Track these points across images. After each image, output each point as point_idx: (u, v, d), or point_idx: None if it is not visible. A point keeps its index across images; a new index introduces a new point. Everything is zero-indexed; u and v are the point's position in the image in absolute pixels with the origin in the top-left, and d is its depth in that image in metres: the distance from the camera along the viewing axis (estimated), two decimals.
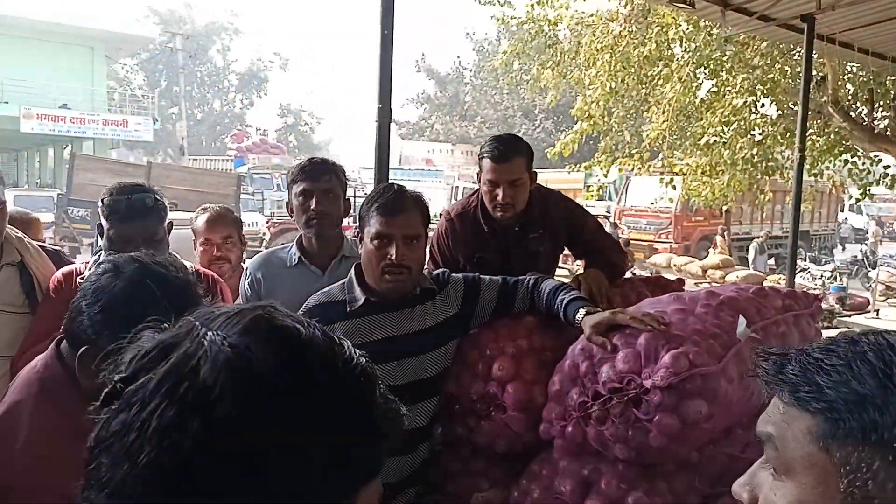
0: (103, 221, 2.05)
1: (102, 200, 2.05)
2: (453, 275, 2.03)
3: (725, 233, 15.64)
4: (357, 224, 1.98)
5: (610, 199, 19.38)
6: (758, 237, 16.01)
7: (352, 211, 2.54)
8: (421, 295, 1.94)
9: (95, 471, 0.54)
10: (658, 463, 1.69)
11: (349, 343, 0.61)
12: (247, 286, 2.39)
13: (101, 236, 2.07)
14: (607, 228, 16.08)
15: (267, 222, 15.29)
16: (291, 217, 2.43)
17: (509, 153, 2.29)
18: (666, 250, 15.62)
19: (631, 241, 14.56)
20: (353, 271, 1.96)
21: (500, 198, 2.29)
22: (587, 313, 1.80)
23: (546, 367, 1.88)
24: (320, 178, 2.32)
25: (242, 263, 2.98)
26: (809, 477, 0.72)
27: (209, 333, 0.56)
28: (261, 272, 2.37)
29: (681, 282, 2.50)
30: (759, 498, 0.77)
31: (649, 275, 2.46)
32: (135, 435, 0.52)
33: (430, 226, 2.02)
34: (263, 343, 0.55)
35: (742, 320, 1.75)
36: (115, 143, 26.02)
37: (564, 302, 1.88)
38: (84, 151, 20.83)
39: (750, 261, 15.20)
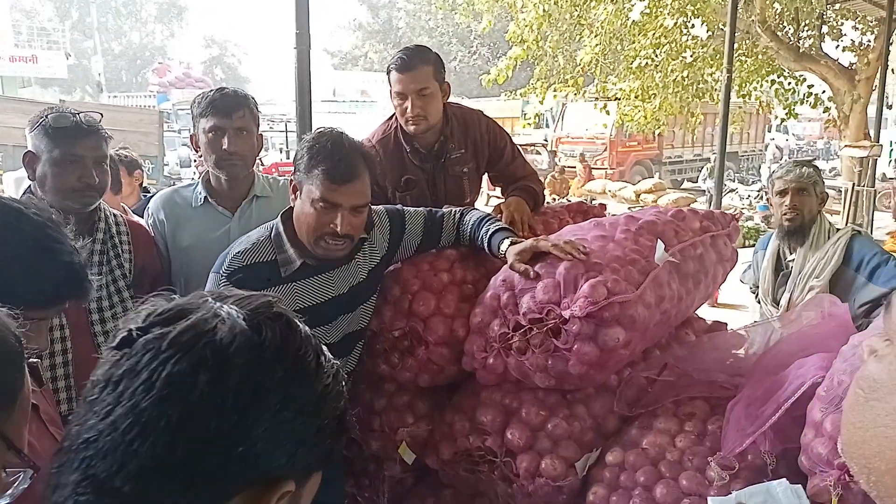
0: (41, 145, 1.86)
1: (39, 123, 1.86)
2: (374, 208, 1.86)
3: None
4: (293, 170, 1.76)
5: (547, 127, 19.38)
6: (709, 161, 16.26)
7: (265, 147, 2.35)
8: (355, 244, 1.78)
9: (97, 403, 0.59)
10: (578, 389, 1.70)
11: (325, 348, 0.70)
12: (149, 226, 2.23)
13: (31, 168, 1.88)
14: (545, 156, 16.10)
15: (194, 161, 14.64)
16: (197, 153, 2.25)
17: (414, 62, 2.19)
18: (601, 177, 15.81)
19: (566, 169, 14.64)
20: (279, 224, 1.75)
21: (409, 110, 2.19)
22: (511, 243, 1.76)
23: (468, 299, 1.85)
24: (232, 114, 2.11)
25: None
26: None
27: (224, 307, 0.63)
28: (163, 213, 2.19)
29: (602, 207, 2.49)
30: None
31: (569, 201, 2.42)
32: (144, 376, 0.57)
33: None
34: (272, 322, 0.64)
35: (660, 245, 1.74)
36: (27, 82, 24.28)
37: (489, 233, 1.84)
38: None
39: (702, 183, 15.48)
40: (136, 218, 2.33)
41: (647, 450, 1.55)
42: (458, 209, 1.97)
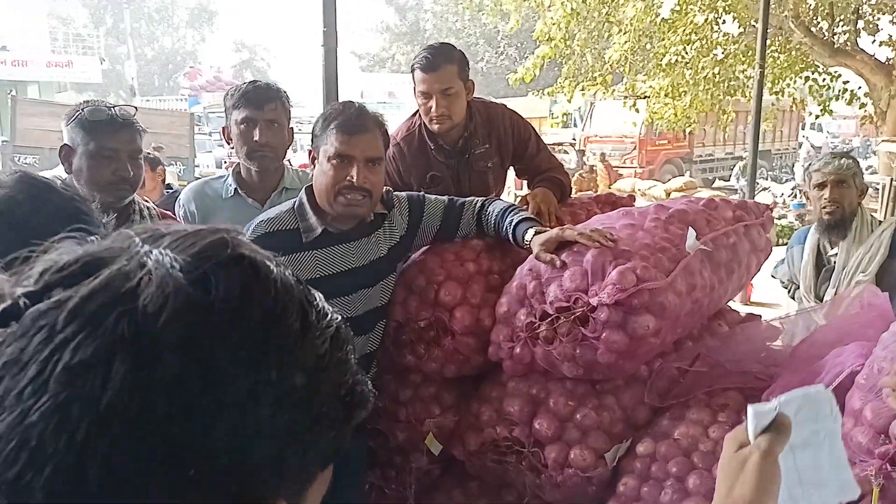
0: (77, 138, 1.89)
1: (76, 117, 1.90)
2: (396, 193, 1.93)
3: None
4: (311, 147, 1.82)
5: (575, 126, 19.24)
6: (741, 159, 16.00)
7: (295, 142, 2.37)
8: (375, 220, 1.85)
9: None
10: (607, 379, 1.67)
11: (320, 296, 0.49)
12: (180, 219, 2.26)
13: (67, 161, 1.92)
14: (573, 156, 16.01)
15: (225, 163, 14.83)
16: (229, 145, 2.28)
17: (439, 61, 2.18)
18: (630, 175, 15.64)
19: (594, 168, 14.51)
20: (303, 195, 1.81)
21: (434, 109, 2.19)
22: (536, 233, 1.74)
23: (494, 289, 1.83)
24: (264, 106, 2.14)
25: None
26: None
27: (154, 251, 0.42)
28: (194, 204, 2.23)
29: (631, 198, 2.45)
30: None
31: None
32: (34, 371, 0.37)
33: None
34: (225, 271, 0.42)
35: (691, 233, 1.70)
36: (63, 87, 24.87)
37: (513, 223, 1.82)
38: (30, 96, 19.86)
39: (734, 182, 15.24)
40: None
41: (679, 440, 1.52)
42: (479, 199, 1.95)
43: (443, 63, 2.18)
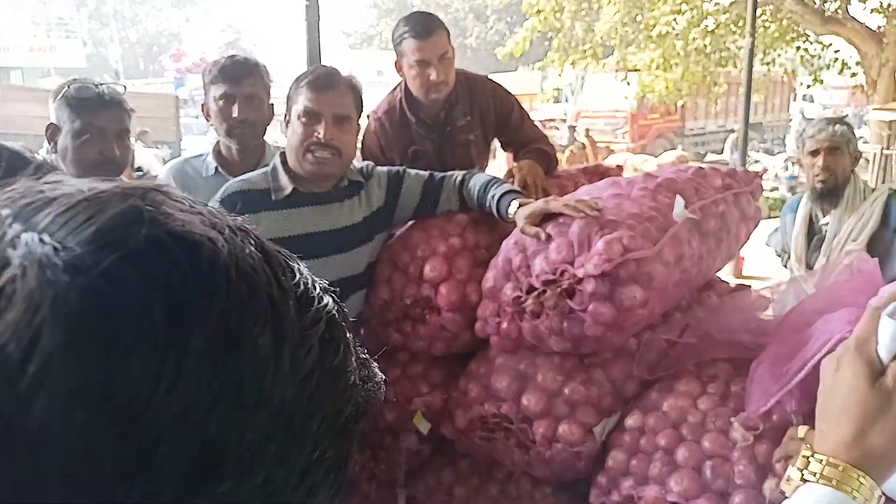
0: (63, 116, 1.83)
1: (62, 94, 1.84)
2: (377, 167, 1.93)
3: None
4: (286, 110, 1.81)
5: (566, 102, 19.11)
6: (733, 132, 15.94)
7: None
8: (349, 187, 1.84)
9: None
10: (595, 352, 1.64)
11: (302, 266, 0.36)
12: None
13: (52, 140, 1.86)
14: (564, 132, 15.92)
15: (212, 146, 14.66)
16: (208, 122, 2.23)
17: (432, 27, 2.13)
18: (623, 150, 15.58)
19: (586, 144, 14.44)
20: (277, 158, 1.83)
21: (434, 76, 2.11)
22: (520, 206, 1.70)
23: (481, 264, 1.80)
24: (242, 81, 2.09)
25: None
26: None
27: (26, 236, 0.27)
28: (174, 183, 2.19)
29: (619, 168, 2.41)
30: None
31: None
32: None
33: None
34: (141, 265, 0.27)
35: (679, 201, 1.67)
36: (46, 72, 24.53)
37: (496, 197, 1.78)
38: (13, 82, 19.56)
39: (728, 156, 15.21)
40: None
41: (667, 413, 1.50)
42: (460, 173, 1.92)
43: (437, 28, 2.14)
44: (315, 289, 0.34)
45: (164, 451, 0.26)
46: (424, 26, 2.13)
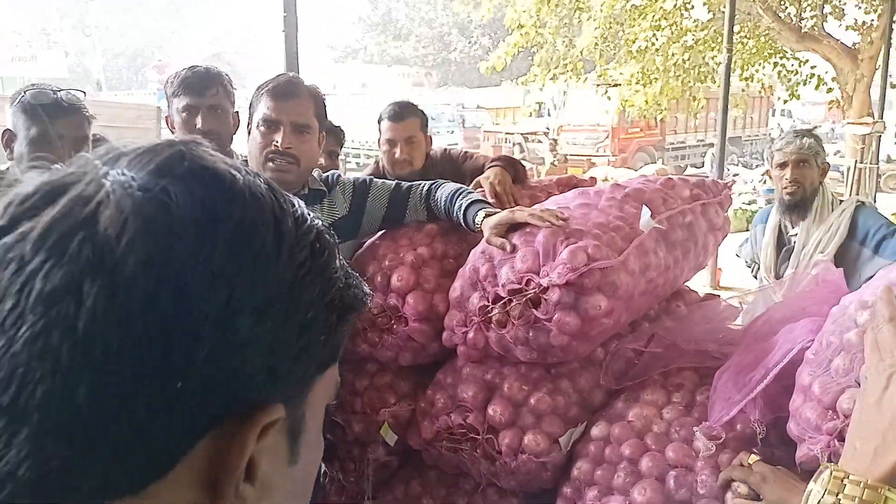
0: (19, 122, 1.79)
1: (18, 99, 1.81)
2: (342, 176, 1.94)
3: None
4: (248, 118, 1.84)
5: (549, 115, 19.25)
6: (712, 146, 16.12)
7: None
8: (309, 195, 1.84)
9: None
10: (562, 362, 1.64)
11: (299, 202, 0.48)
12: None
13: (8, 147, 1.82)
14: (546, 145, 15.97)
15: None
16: (174, 134, 2.22)
17: (404, 113, 2.51)
18: (604, 164, 15.69)
19: (568, 157, 14.55)
20: None
21: (397, 154, 2.47)
22: (486, 215, 1.70)
23: (449, 274, 1.79)
24: (205, 92, 2.10)
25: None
26: None
27: (112, 172, 0.41)
28: None
29: (592, 180, 2.42)
30: None
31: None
32: (11, 303, 0.38)
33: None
34: (185, 185, 0.41)
35: (646, 211, 1.67)
36: (27, 82, 24.30)
37: (463, 207, 1.77)
38: None
39: (708, 170, 15.36)
40: None
41: (632, 422, 1.49)
42: (427, 182, 1.91)
43: (408, 115, 2.51)
44: (308, 215, 0.47)
45: (204, 294, 0.40)
46: (398, 112, 2.52)
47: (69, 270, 0.38)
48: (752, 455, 1.24)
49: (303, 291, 0.44)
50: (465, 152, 2.68)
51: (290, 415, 0.45)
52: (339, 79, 31.45)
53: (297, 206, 0.47)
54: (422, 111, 2.61)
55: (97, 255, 0.38)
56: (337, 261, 0.48)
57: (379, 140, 2.58)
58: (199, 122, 2.08)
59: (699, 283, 6.41)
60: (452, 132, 20.46)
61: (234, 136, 2.23)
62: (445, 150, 2.73)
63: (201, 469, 0.41)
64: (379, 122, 2.57)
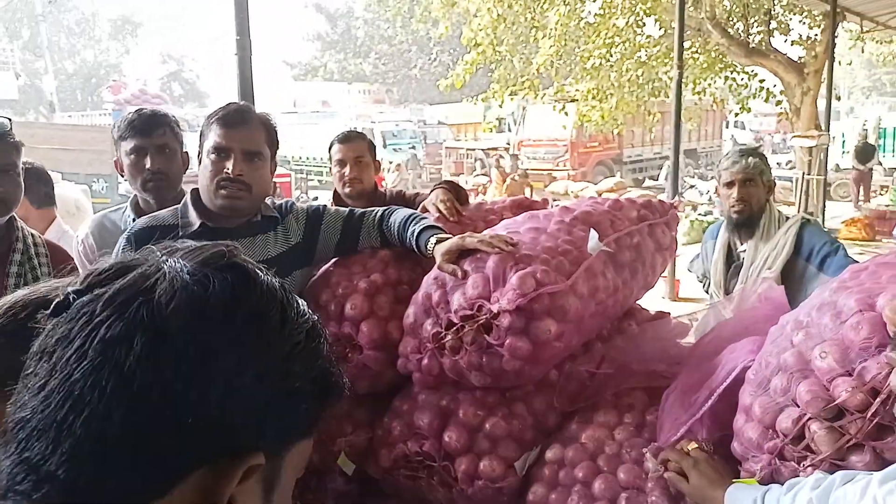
0: None
1: None
2: (296, 204, 1.95)
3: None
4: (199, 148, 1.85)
5: (509, 131, 19.45)
6: (667, 158, 16.43)
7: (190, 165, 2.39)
8: (262, 222, 1.83)
9: (30, 378, 0.54)
10: (516, 386, 1.65)
11: (302, 300, 0.62)
12: (80, 254, 2.16)
13: None
14: (508, 160, 16.14)
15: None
16: (122, 177, 2.23)
17: (352, 136, 2.75)
18: (564, 178, 15.91)
19: (529, 172, 14.70)
20: (188, 195, 1.82)
21: (347, 173, 2.62)
22: (438, 241, 1.71)
23: (403, 301, 1.79)
24: (153, 132, 2.13)
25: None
26: None
27: (169, 260, 0.57)
28: (92, 238, 2.17)
29: (545, 202, 2.46)
30: None
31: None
32: (78, 343, 0.52)
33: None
34: (221, 274, 0.56)
35: (593, 234, 1.70)
36: None
37: (415, 233, 1.78)
38: None
39: (664, 182, 15.63)
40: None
41: (585, 444, 1.51)
42: (380, 209, 1.92)
43: (357, 138, 2.73)
44: (308, 311, 0.62)
45: (222, 355, 0.54)
46: (347, 135, 2.74)
47: (127, 324, 0.52)
48: (693, 443, 1.29)
49: (294, 364, 0.58)
50: (418, 193, 2.79)
51: (270, 466, 0.56)
52: (299, 96, 31.33)
53: (300, 303, 0.62)
54: (370, 139, 2.84)
55: (149, 315, 0.52)
56: (325, 349, 0.62)
57: (331, 167, 2.75)
58: (147, 162, 2.11)
59: (658, 295, 6.51)
60: (414, 148, 20.53)
61: (182, 176, 2.26)
62: (400, 191, 2.91)
63: (193, 497, 0.52)
64: (330, 149, 2.74)
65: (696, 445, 1.27)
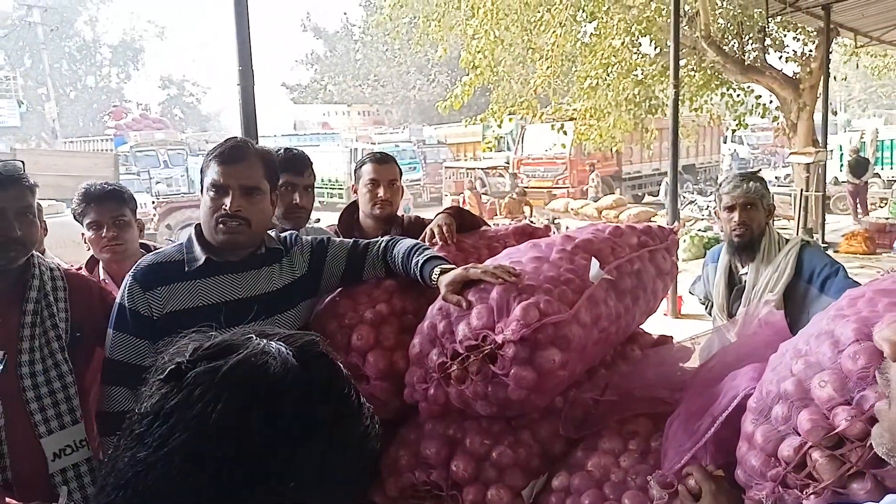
0: None
1: None
2: (302, 236, 1.97)
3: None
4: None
5: (508, 150, 19.56)
6: (666, 174, 16.52)
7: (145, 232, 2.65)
8: (267, 255, 1.86)
9: (147, 435, 0.62)
10: (521, 414, 1.67)
11: (359, 390, 0.75)
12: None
13: None
14: (507, 179, 16.23)
15: (153, 203, 14.28)
16: (88, 249, 2.53)
17: (388, 158, 2.68)
18: (564, 195, 15.97)
19: (527, 191, 14.76)
20: (192, 230, 1.86)
21: (381, 194, 2.55)
22: (442, 272, 1.74)
23: (408, 330, 1.81)
24: (104, 202, 2.43)
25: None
26: None
27: (272, 343, 0.68)
28: None
29: (547, 228, 2.49)
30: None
31: (514, 224, 2.46)
32: (198, 409, 0.61)
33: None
34: (317, 361, 0.68)
35: (595, 263, 1.73)
36: None
37: (420, 264, 1.81)
38: None
39: (662, 197, 15.70)
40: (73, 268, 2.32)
41: (591, 472, 1.53)
42: (384, 239, 1.95)
43: (391, 161, 2.67)
44: (364, 401, 0.75)
45: (317, 420, 0.68)
46: (383, 157, 2.67)
47: (246, 395, 0.63)
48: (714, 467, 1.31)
49: (367, 442, 0.72)
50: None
51: None
52: (299, 118, 31.52)
53: (359, 392, 0.75)
54: (399, 164, 2.77)
55: (266, 389, 0.64)
56: (376, 430, 0.75)
57: (354, 187, 2.66)
58: (104, 231, 2.42)
59: (660, 312, 6.52)
60: (415, 168, 20.64)
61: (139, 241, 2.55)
62: (418, 217, 2.86)
63: None
64: (358, 169, 2.65)
65: (720, 473, 1.28)
